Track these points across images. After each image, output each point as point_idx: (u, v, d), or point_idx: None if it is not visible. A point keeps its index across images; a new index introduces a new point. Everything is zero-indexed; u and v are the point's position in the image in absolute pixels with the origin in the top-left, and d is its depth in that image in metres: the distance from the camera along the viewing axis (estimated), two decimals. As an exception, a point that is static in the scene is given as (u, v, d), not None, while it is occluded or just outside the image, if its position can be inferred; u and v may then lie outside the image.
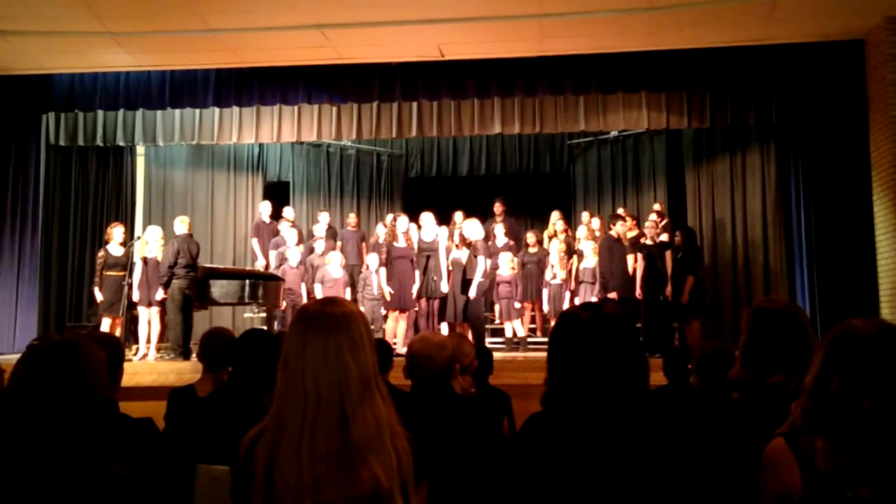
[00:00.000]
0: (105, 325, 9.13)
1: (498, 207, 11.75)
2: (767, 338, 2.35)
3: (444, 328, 9.49)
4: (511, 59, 9.38)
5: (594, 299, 9.45)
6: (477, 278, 9.11)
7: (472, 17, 8.03)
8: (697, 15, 7.93)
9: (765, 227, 10.66)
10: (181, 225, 9.46)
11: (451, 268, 9.45)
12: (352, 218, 11.91)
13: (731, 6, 7.72)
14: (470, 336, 8.64)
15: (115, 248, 9.35)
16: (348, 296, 9.99)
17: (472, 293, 9.10)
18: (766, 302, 2.49)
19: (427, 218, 9.76)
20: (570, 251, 10.59)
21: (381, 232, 10.56)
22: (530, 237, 10.83)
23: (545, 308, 10.43)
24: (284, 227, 10.84)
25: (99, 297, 9.13)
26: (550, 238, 11.07)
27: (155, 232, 9.45)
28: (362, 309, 7.38)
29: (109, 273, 9.18)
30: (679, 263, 9.42)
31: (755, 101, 9.66)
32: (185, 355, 8.95)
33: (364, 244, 11.51)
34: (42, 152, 10.45)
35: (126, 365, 3.31)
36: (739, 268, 10.89)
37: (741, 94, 9.67)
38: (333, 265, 10.08)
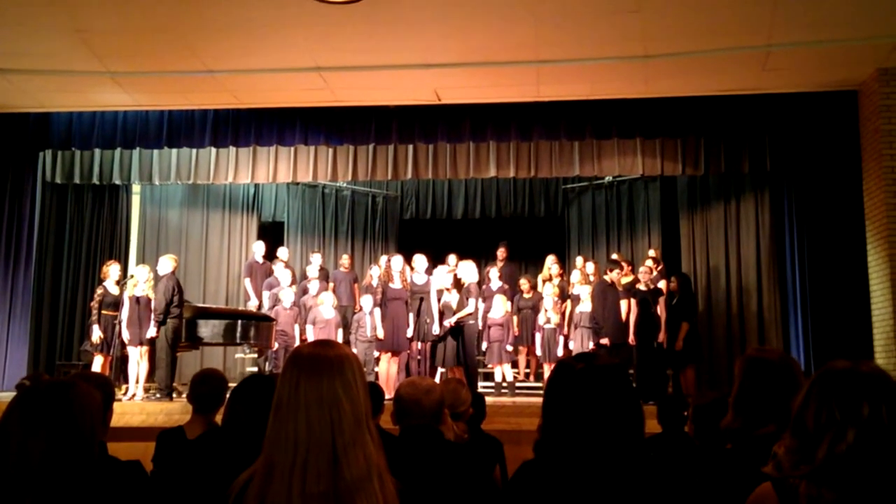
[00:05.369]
0: (97, 363, 9.07)
1: (501, 252, 11.78)
2: (760, 388, 2.34)
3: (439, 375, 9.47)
4: (507, 104, 9.46)
5: (591, 344, 9.43)
6: (457, 316, 9.15)
7: (469, 63, 8.12)
8: (691, 63, 8.03)
9: (759, 275, 10.68)
10: (170, 263, 9.40)
11: (442, 311, 9.45)
12: (345, 259, 11.92)
13: (724, 55, 7.82)
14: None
15: (111, 287, 9.31)
16: (340, 337, 9.96)
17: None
18: (760, 351, 2.49)
19: (419, 260, 9.80)
20: (564, 295, 10.58)
21: (375, 273, 10.56)
22: (524, 283, 10.81)
23: (538, 352, 10.40)
24: (278, 268, 10.83)
25: (98, 335, 9.07)
26: (545, 282, 11.08)
27: (144, 271, 9.38)
28: (355, 351, 7.36)
29: (105, 312, 9.14)
30: (674, 310, 9.43)
31: (749, 149, 9.74)
32: (170, 395, 8.90)
33: (356, 286, 11.50)
34: (38, 189, 10.46)
35: (115, 405, 3.28)
36: (734, 315, 10.89)
37: (735, 141, 9.75)
38: (325, 306, 10.05)
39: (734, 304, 10.92)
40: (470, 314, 9.48)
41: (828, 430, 1.65)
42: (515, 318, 10.45)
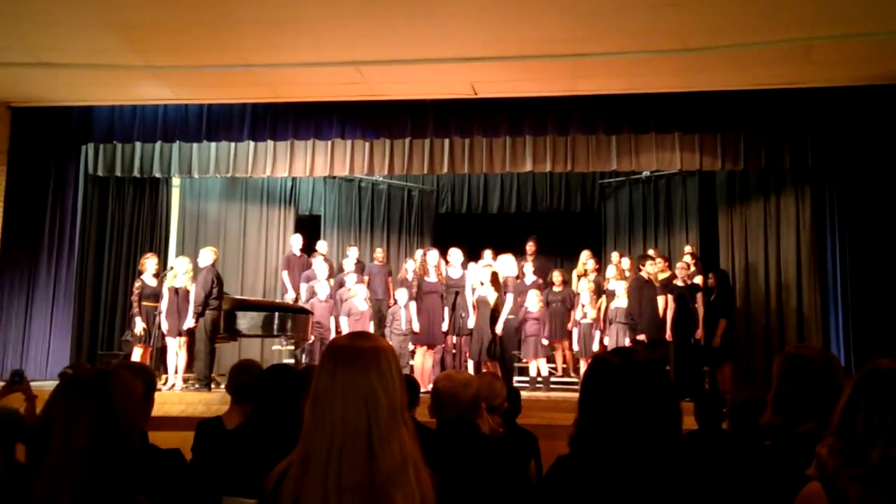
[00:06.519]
0: (136, 354, 9.22)
1: (530, 246, 11.75)
2: (799, 385, 2.31)
3: (471, 366, 9.47)
4: (543, 98, 9.40)
5: (627, 340, 9.38)
6: (504, 314, 9.09)
7: (506, 56, 8.09)
8: (732, 57, 7.92)
9: (799, 272, 10.53)
10: (210, 255, 9.53)
11: (476, 305, 9.43)
12: (379, 253, 11.94)
13: (766, 49, 7.70)
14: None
15: (149, 279, 9.45)
16: (372, 329, 10.01)
17: (498, 328, 9.06)
18: (799, 349, 2.46)
19: (454, 254, 9.80)
20: (600, 290, 10.52)
21: (410, 267, 10.59)
22: (556, 276, 10.78)
23: (575, 347, 10.35)
24: (317, 261, 10.89)
25: (140, 326, 9.21)
26: (580, 277, 11.02)
27: (184, 263, 9.51)
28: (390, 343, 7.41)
29: (145, 303, 9.28)
30: (712, 306, 9.34)
31: (790, 144, 9.60)
32: (208, 386, 9.02)
33: (390, 279, 11.53)
34: (80, 182, 10.62)
35: (155, 395, 3.33)
36: (772, 312, 10.74)
37: (776, 136, 9.61)
38: (358, 298, 10.09)
39: (773, 301, 10.78)
40: (511, 308, 9.45)
41: (880, 433, 1.62)
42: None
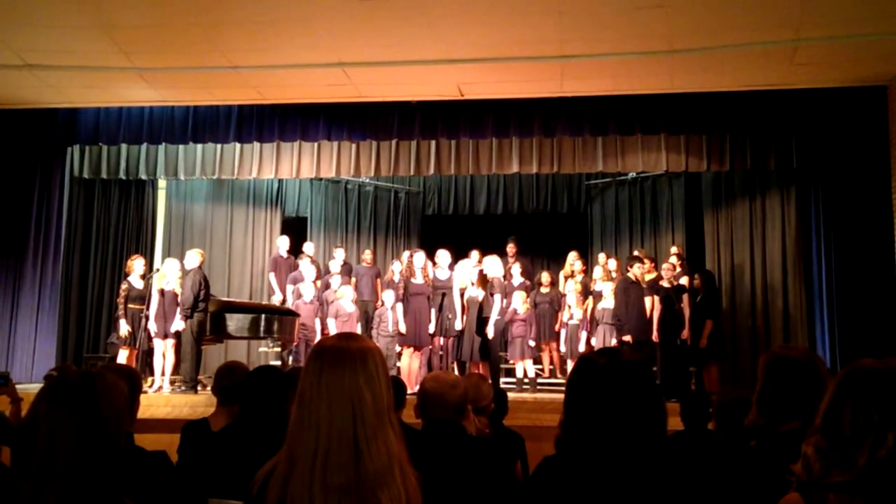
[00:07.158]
0: (122, 356, 9.17)
1: (511, 248, 11.76)
2: (784, 385, 2.33)
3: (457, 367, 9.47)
4: (530, 100, 9.43)
5: (613, 341, 9.40)
6: (493, 316, 9.09)
7: (493, 58, 8.10)
8: (717, 58, 7.96)
9: (784, 272, 10.58)
10: (197, 257, 9.50)
11: (466, 306, 9.43)
12: (367, 254, 11.94)
13: (751, 50, 7.74)
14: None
15: (136, 281, 9.41)
16: (359, 330, 9.99)
17: (490, 332, 9.05)
18: (784, 349, 2.47)
19: (442, 255, 9.80)
20: (587, 292, 10.54)
21: (396, 269, 10.59)
22: (544, 277, 10.80)
23: (562, 349, 10.37)
24: (304, 263, 10.88)
25: (125, 329, 9.16)
26: (566, 278, 11.04)
27: (173, 264, 9.50)
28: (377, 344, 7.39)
29: (131, 306, 9.24)
30: (698, 307, 9.37)
31: (776, 145, 9.65)
32: (195, 388, 8.99)
33: (378, 280, 11.54)
34: (66, 184, 10.57)
35: (141, 397, 3.32)
36: (758, 312, 10.79)
37: (761, 137, 9.66)
38: (345, 300, 10.08)
39: (759, 302, 10.83)
40: (501, 309, 9.45)
41: (867, 434, 1.61)
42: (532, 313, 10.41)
